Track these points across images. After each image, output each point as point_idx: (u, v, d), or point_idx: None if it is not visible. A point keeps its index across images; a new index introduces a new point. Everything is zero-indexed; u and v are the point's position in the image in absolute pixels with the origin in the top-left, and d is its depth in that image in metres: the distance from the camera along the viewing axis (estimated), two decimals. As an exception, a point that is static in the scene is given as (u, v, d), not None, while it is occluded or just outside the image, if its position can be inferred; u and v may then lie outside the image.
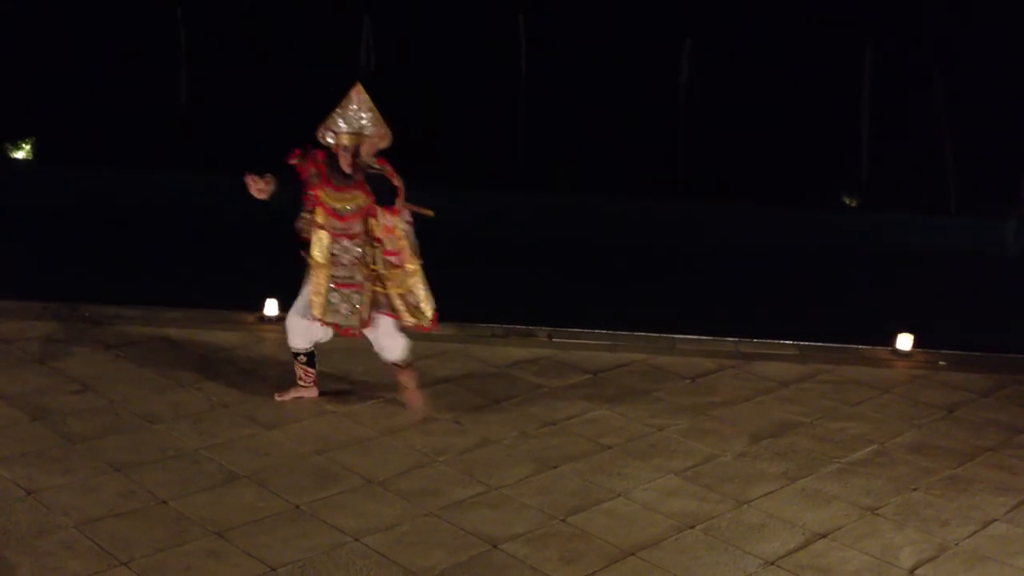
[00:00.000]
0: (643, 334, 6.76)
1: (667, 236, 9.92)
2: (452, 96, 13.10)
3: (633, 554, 4.36)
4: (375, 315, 5.33)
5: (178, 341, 6.31)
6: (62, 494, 4.53)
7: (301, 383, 5.58)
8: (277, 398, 5.56)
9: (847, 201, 11.36)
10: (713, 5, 13.05)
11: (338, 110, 5.17)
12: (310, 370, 5.57)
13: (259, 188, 5.05)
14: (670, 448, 5.32)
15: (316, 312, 5.31)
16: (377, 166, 5.20)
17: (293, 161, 5.23)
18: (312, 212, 5.25)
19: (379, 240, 5.24)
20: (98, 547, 4.15)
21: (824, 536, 4.58)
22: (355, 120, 5.16)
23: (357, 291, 5.27)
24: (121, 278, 7.77)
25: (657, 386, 6.07)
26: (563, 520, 4.58)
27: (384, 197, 5.16)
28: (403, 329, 5.44)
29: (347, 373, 5.93)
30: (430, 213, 5.34)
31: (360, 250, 5.24)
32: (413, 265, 5.30)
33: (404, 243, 5.27)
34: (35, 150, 13.77)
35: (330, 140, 5.19)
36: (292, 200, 5.25)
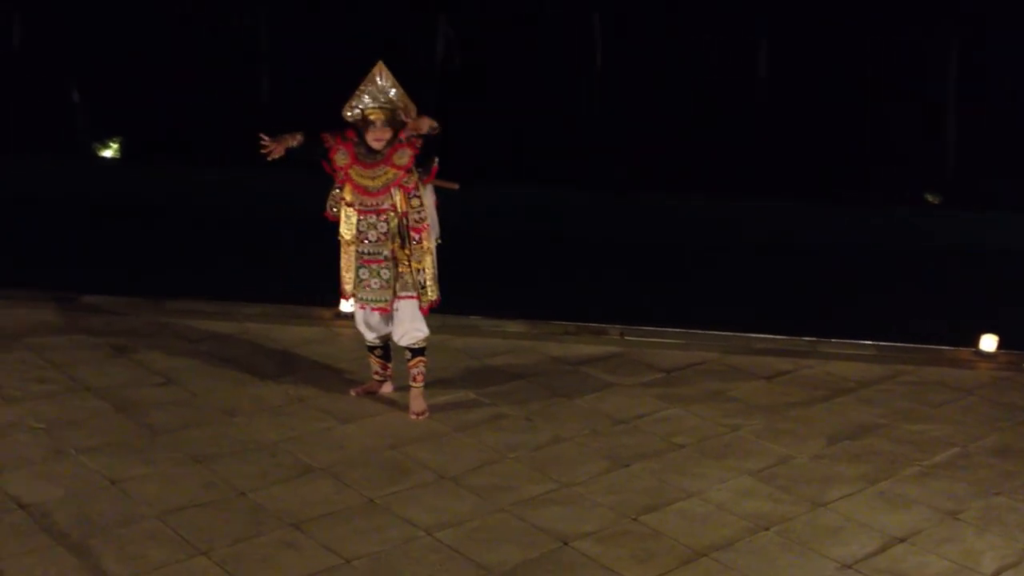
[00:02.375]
0: (717, 332, 6.70)
1: (742, 233, 9.82)
2: (524, 92, 13.09)
3: (706, 555, 4.32)
4: (400, 297, 5.33)
5: (257, 336, 6.44)
6: (145, 484, 4.66)
7: (376, 377, 5.66)
8: (352, 393, 5.63)
9: (930, 199, 11.11)
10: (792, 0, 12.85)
11: (362, 87, 5.20)
12: (385, 364, 5.63)
13: (268, 148, 5.20)
14: (745, 448, 5.27)
15: (348, 287, 5.38)
16: (403, 140, 5.19)
17: (326, 145, 5.27)
18: (342, 188, 5.29)
19: (404, 214, 5.24)
20: (179, 536, 4.26)
21: (903, 540, 4.49)
22: (381, 94, 5.17)
23: (385, 266, 5.28)
24: (201, 273, 7.95)
25: (731, 385, 6.02)
26: (635, 519, 4.57)
27: (426, 163, 5.24)
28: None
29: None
30: (455, 186, 5.35)
31: (386, 225, 5.24)
32: (429, 243, 5.30)
33: (426, 221, 5.29)
34: (123, 149, 14.14)
35: (356, 113, 5.21)
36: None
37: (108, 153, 14.20)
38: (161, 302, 6.93)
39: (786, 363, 6.33)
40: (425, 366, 5.47)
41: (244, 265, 8.09)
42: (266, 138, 5.24)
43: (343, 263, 5.37)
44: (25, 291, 7.04)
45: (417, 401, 5.45)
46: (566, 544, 4.35)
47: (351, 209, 5.28)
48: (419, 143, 5.18)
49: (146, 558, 4.10)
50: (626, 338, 6.63)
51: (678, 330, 6.70)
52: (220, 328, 6.52)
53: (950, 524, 4.63)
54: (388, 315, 5.41)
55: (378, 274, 5.29)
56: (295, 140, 5.25)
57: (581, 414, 5.57)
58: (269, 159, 5.25)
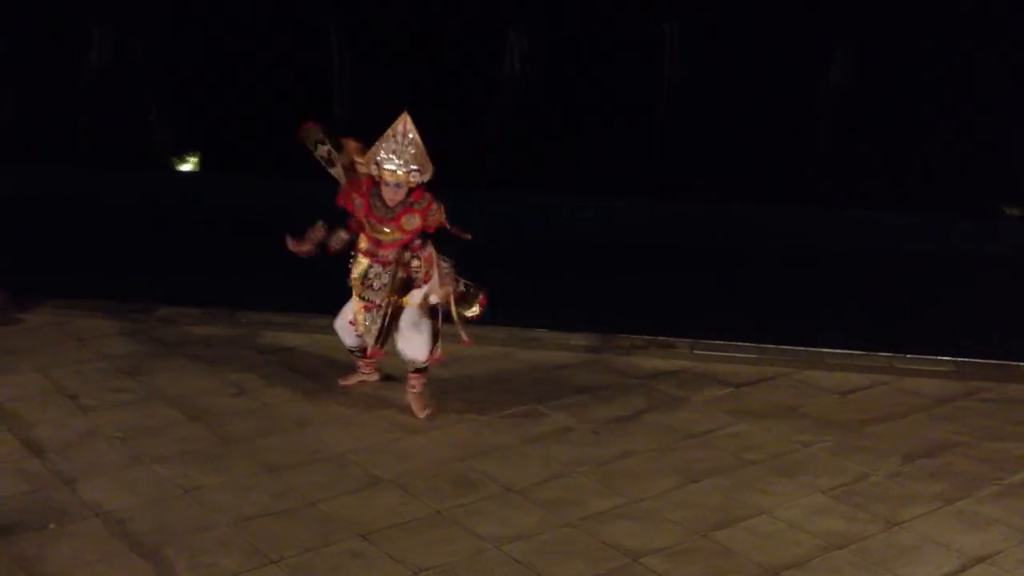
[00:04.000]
0: (789, 347, 6.58)
1: (814, 244, 9.67)
2: (594, 103, 13.10)
3: (778, 573, 4.25)
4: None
5: (327, 347, 6.49)
6: (218, 493, 4.73)
7: (362, 372, 5.88)
8: (341, 383, 5.86)
9: (1008, 211, 10.84)
10: (870, 8, 12.67)
11: (382, 140, 5.13)
12: (366, 359, 5.78)
13: (299, 248, 5.35)
14: (817, 465, 5.17)
15: (360, 330, 5.51)
16: (414, 204, 5.22)
17: (340, 202, 5.35)
18: (357, 235, 5.36)
19: (409, 267, 5.31)
20: (251, 545, 4.31)
21: (982, 561, 4.37)
22: (400, 153, 5.10)
23: (380, 315, 5.37)
24: (272, 285, 8.06)
25: (804, 401, 5.92)
26: (705, 536, 4.51)
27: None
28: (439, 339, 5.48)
29: (487, 383, 6.00)
30: (468, 236, 5.21)
31: (389, 277, 5.31)
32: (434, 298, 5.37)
33: (435, 272, 5.35)
34: (200, 163, 14.45)
35: (373, 171, 5.18)
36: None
37: (186, 167, 14.51)
38: (235, 313, 7.04)
39: (861, 378, 6.21)
40: (425, 379, 5.59)
41: (314, 276, 8.14)
42: (290, 240, 5.36)
43: (354, 304, 5.51)
44: (103, 301, 7.20)
45: (418, 403, 5.57)
46: (635, 560, 4.31)
47: (363, 256, 5.36)
48: (429, 212, 5.20)
49: (218, 566, 4.16)
50: (695, 352, 6.56)
51: (749, 344, 6.61)
52: (291, 339, 6.60)
53: (1032, 546, 4.49)
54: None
55: (375, 321, 5.41)
56: (321, 232, 5.34)
57: (649, 428, 5.53)
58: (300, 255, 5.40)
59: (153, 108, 14.94)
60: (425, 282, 5.34)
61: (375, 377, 5.90)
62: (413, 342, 5.45)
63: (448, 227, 5.25)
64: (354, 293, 5.48)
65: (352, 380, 5.90)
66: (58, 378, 5.91)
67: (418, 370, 5.52)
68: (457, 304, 5.43)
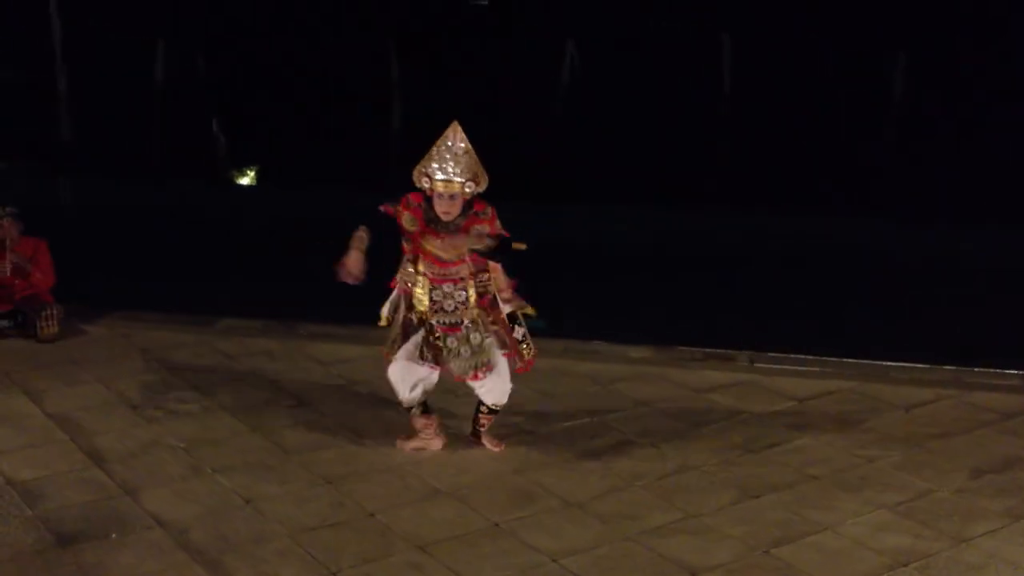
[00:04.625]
0: (853, 360, 6.47)
1: (881, 256, 9.52)
2: (654, 114, 13.05)
3: (841, 590, 4.18)
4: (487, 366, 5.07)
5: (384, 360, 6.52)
6: (278, 504, 4.76)
7: (423, 435, 5.29)
8: (399, 444, 5.32)
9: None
10: (933, 18, 12.48)
11: (433, 151, 4.87)
12: (429, 419, 5.28)
13: (350, 268, 4.91)
14: (882, 481, 5.07)
15: (430, 361, 5.08)
16: (479, 214, 4.90)
17: (388, 210, 4.99)
18: (414, 261, 5.01)
19: (483, 280, 4.99)
20: (310, 556, 4.33)
21: (1054, 582, 4.25)
22: (454, 161, 4.84)
23: (466, 335, 5.02)
24: (331, 297, 8.12)
25: (868, 415, 5.81)
26: (766, 552, 4.44)
27: (493, 254, 4.88)
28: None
29: (545, 395, 5.97)
30: (523, 246, 4.90)
31: (464, 293, 4.99)
32: (504, 309, 5.05)
33: (489, 294, 5.03)
34: (258, 176, 14.65)
35: (424, 184, 4.90)
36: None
37: (245, 180, 14.72)
38: (294, 325, 7.11)
39: (926, 393, 6.08)
40: (492, 419, 5.28)
41: (366, 289, 8.16)
42: (343, 265, 4.92)
43: (421, 335, 5.08)
44: (165, 314, 7.32)
45: (490, 438, 5.32)
46: None
47: (423, 277, 5.01)
48: (495, 219, 4.90)
49: (278, 577, 4.18)
50: (755, 365, 6.48)
51: (811, 356, 6.51)
52: (350, 352, 6.63)
53: (1107, 566, 4.35)
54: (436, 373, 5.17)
55: (467, 341, 5.03)
56: (365, 242, 4.94)
57: (709, 442, 5.46)
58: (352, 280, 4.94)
59: (214, 121, 15.19)
60: (485, 304, 5.03)
61: (439, 444, 5.29)
62: (494, 386, 5.14)
63: (506, 235, 4.94)
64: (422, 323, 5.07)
65: (412, 445, 5.30)
66: (121, 389, 6.00)
67: (492, 412, 5.26)
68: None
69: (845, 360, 6.48)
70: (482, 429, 5.31)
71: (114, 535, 4.44)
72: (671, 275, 9.04)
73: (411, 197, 4.96)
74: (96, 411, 5.69)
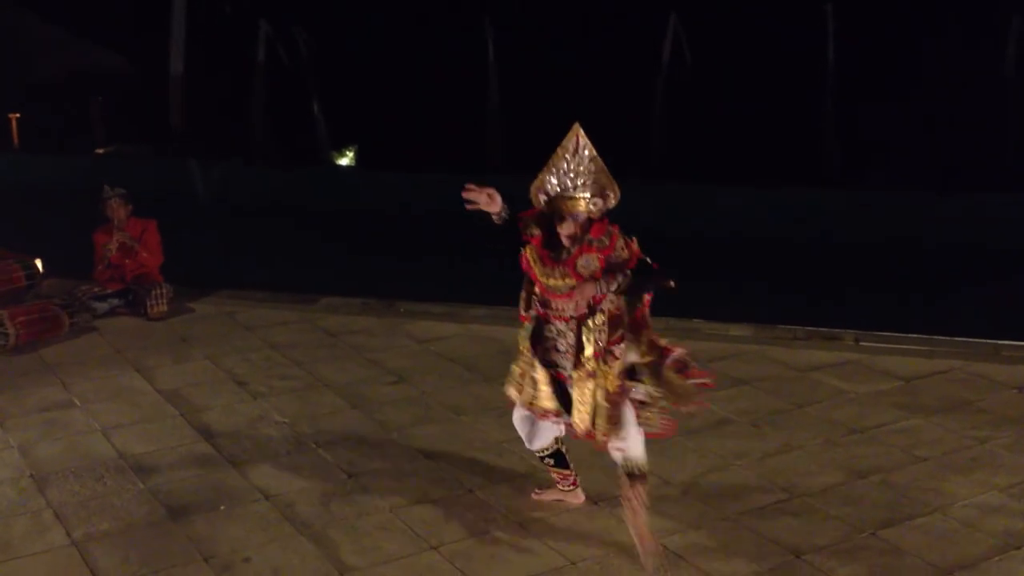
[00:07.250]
0: (962, 339, 6.27)
1: (996, 234, 9.18)
2: (757, 93, 12.82)
3: (951, 573, 4.05)
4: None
5: (481, 337, 6.56)
6: (379, 478, 4.83)
7: (560, 487, 4.60)
8: (534, 496, 4.63)
9: None
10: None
11: (552, 162, 4.03)
12: (564, 472, 4.55)
13: (472, 194, 3.97)
14: (994, 462, 4.90)
15: (543, 403, 4.24)
16: (593, 241, 4.00)
17: (524, 235, 4.12)
18: (532, 285, 4.19)
19: (603, 325, 4.08)
20: (411, 531, 4.38)
21: None
22: (577, 175, 3.99)
23: (575, 385, 4.13)
24: (428, 275, 8.20)
25: (979, 395, 5.62)
26: (873, 534, 4.33)
27: (639, 288, 4.02)
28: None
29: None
30: (671, 284, 4.03)
31: (574, 335, 4.11)
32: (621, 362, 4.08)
33: (606, 343, 4.09)
34: (357, 157, 14.85)
35: (540, 200, 4.07)
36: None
37: (344, 161, 14.92)
38: (393, 303, 7.20)
39: (1040, 372, 5.86)
40: (645, 484, 4.16)
41: (463, 266, 8.19)
42: (473, 187, 3.99)
43: (540, 375, 4.21)
44: (269, 292, 7.49)
45: (643, 539, 4.13)
46: (798, 557, 4.18)
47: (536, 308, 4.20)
48: (614, 251, 3.99)
49: (381, 550, 4.24)
50: (861, 344, 6.32)
51: (919, 336, 6.32)
52: (447, 329, 6.69)
53: None
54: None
55: (583, 392, 4.11)
56: (499, 207, 3.99)
57: (812, 422, 5.35)
58: (468, 207, 4.01)
59: (315, 103, 15.43)
60: (598, 355, 4.08)
61: (578, 501, 4.57)
62: (628, 435, 4.15)
63: (649, 261, 4.03)
64: (525, 364, 4.25)
65: (548, 496, 4.61)
66: (228, 365, 6.16)
67: (634, 476, 4.13)
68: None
69: (954, 338, 6.28)
70: (631, 506, 4.14)
71: (223, 507, 4.57)
72: (777, 257, 8.87)
73: (531, 212, 4.14)
74: (204, 387, 5.85)
